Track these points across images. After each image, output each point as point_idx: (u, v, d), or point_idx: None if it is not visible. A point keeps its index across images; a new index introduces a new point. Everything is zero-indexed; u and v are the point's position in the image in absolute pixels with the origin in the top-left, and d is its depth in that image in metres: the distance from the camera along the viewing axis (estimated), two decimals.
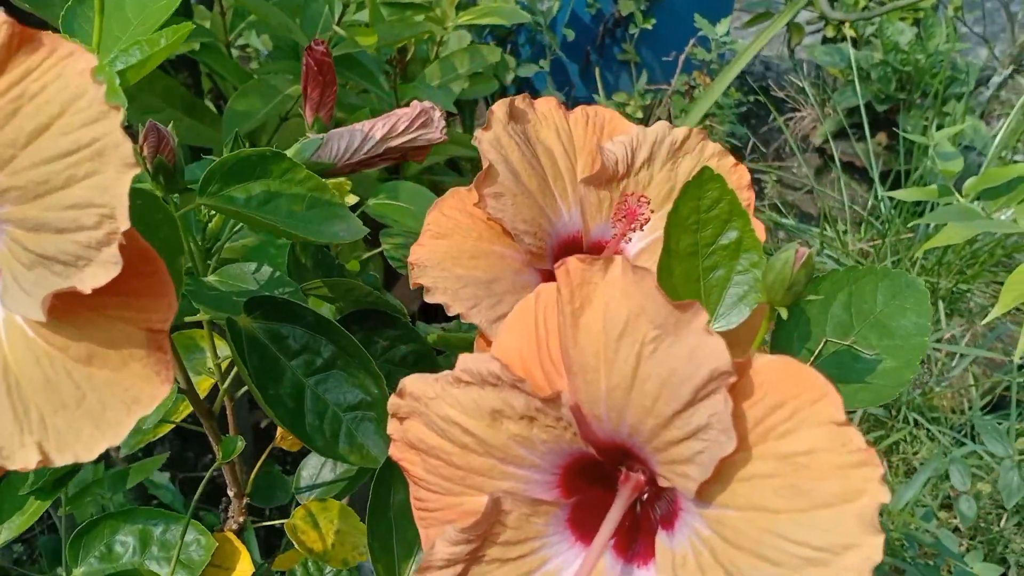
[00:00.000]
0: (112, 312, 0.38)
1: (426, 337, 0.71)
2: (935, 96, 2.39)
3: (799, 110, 2.70)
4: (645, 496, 0.42)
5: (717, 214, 0.47)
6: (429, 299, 0.49)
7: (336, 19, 1.22)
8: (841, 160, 2.33)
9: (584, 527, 0.42)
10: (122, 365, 0.38)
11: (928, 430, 1.58)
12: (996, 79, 2.75)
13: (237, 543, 0.67)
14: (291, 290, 0.60)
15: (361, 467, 0.74)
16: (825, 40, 2.87)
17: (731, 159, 0.55)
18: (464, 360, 0.40)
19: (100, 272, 0.35)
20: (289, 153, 0.66)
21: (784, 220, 2.19)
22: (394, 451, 0.44)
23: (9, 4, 0.91)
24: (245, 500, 0.67)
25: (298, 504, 0.72)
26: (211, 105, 1.52)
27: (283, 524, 0.68)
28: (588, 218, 0.55)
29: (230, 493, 0.67)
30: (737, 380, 0.36)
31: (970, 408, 1.63)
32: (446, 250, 0.52)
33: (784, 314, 0.45)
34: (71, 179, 0.35)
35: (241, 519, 0.68)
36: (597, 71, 2.37)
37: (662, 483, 0.39)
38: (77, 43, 0.35)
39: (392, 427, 0.43)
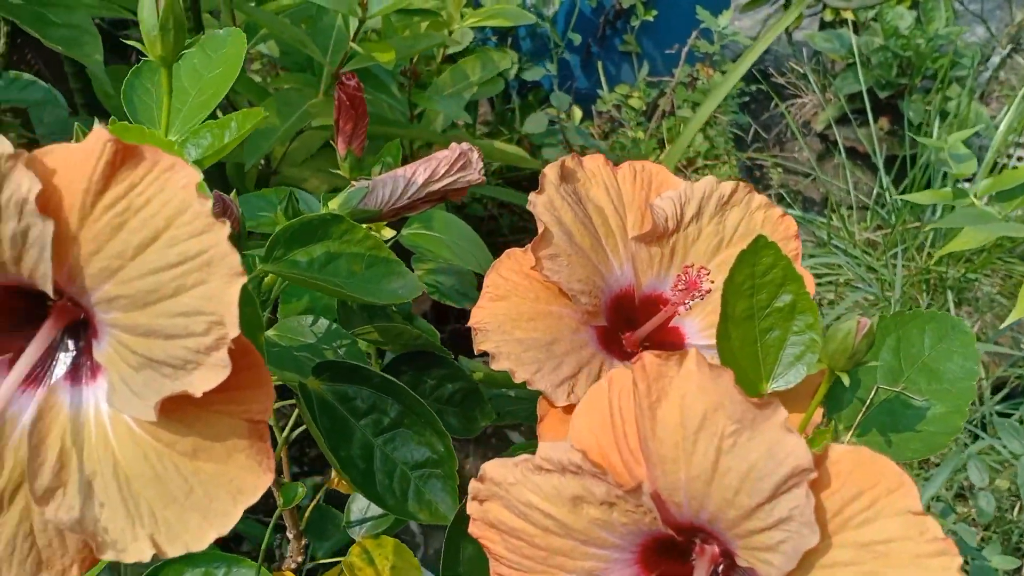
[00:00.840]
0: (216, 407, 0.39)
1: (472, 374, 0.72)
2: (937, 79, 2.40)
3: (800, 96, 2.71)
4: (720, 567, 0.44)
5: (771, 279, 0.49)
6: (495, 366, 0.51)
7: (352, 36, 1.22)
8: (844, 146, 2.34)
9: None
10: (226, 457, 0.40)
11: None
12: (995, 59, 2.76)
13: None
14: (349, 342, 0.61)
15: None
16: (823, 25, 2.87)
17: (778, 210, 0.57)
18: (544, 449, 0.42)
19: (210, 375, 0.37)
20: (336, 202, 0.68)
21: (791, 210, 2.20)
22: (474, 529, 0.45)
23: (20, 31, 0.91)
24: (304, 541, 0.69)
25: (350, 539, 0.74)
26: None
27: (339, 561, 0.70)
28: (640, 273, 0.56)
29: (289, 535, 0.68)
30: (816, 477, 0.37)
31: (981, 400, 1.65)
32: (505, 312, 0.53)
33: (846, 380, 0.47)
34: (180, 288, 0.36)
35: (300, 559, 0.70)
36: (600, 64, 2.37)
37: (742, 563, 0.41)
38: (176, 156, 0.36)
39: (472, 508, 0.45)
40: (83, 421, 0.40)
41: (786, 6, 2.89)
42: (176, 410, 0.39)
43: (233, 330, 0.36)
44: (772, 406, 0.37)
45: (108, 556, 0.39)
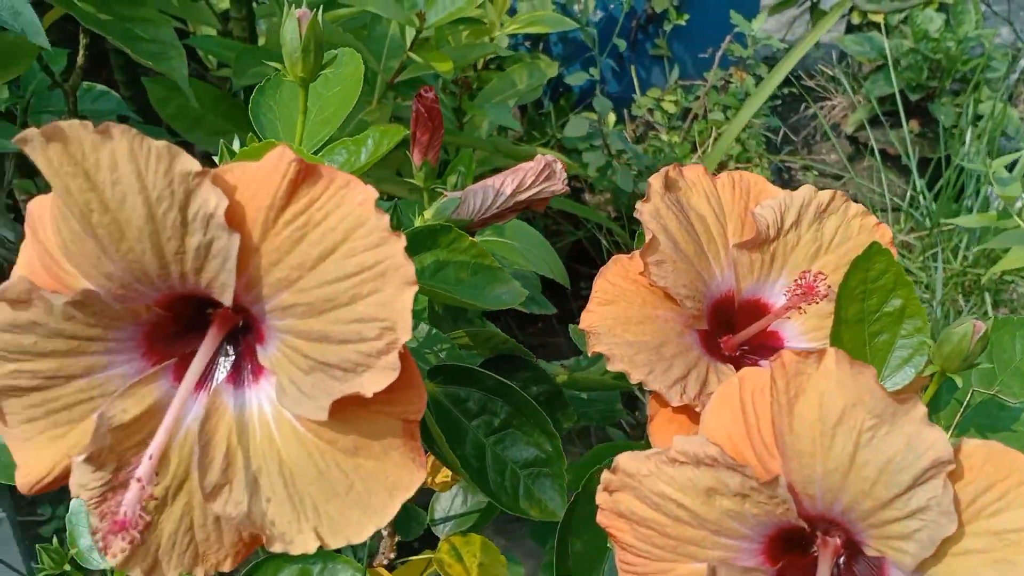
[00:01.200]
0: (375, 406, 0.42)
1: (555, 377, 0.75)
2: (969, 83, 2.41)
3: (829, 98, 2.73)
4: (843, 558, 0.46)
5: (883, 284, 0.51)
6: (609, 367, 0.53)
7: (408, 45, 1.24)
8: (876, 148, 2.35)
9: None
10: (383, 454, 0.42)
11: None
12: (1022, 61, 2.77)
13: None
14: (448, 346, 0.64)
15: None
16: (850, 28, 2.89)
17: (873, 218, 0.59)
18: (679, 442, 0.44)
19: (380, 377, 0.39)
20: (430, 212, 0.70)
21: None
22: (602, 519, 0.47)
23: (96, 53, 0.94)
24: (396, 537, 0.71)
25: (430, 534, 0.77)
26: None
27: (430, 558, 0.73)
28: (740, 278, 0.59)
29: (383, 531, 0.71)
30: (953, 468, 0.39)
31: None
32: (615, 316, 0.55)
33: (959, 382, 0.49)
34: (355, 297, 0.38)
35: (392, 555, 0.72)
36: (633, 68, 2.39)
37: (871, 552, 0.43)
38: (350, 174, 0.39)
39: (602, 498, 0.47)
40: (247, 421, 0.43)
41: (812, 8, 2.91)
42: (338, 410, 0.41)
43: (404, 335, 0.38)
44: (912, 401, 0.39)
45: (277, 548, 0.42)
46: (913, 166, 2.19)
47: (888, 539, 0.41)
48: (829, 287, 0.53)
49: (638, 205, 0.56)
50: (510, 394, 0.58)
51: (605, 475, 0.46)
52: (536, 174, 0.74)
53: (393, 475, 0.42)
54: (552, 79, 2.27)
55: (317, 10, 0.50)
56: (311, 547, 0.41)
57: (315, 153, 0.53)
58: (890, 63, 2.38)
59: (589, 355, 0.54)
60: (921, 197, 2.16)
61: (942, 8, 2.65)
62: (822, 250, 0.58)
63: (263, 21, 1.55)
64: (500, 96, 1.50)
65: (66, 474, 0.44)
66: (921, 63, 2.49)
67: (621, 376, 0.68)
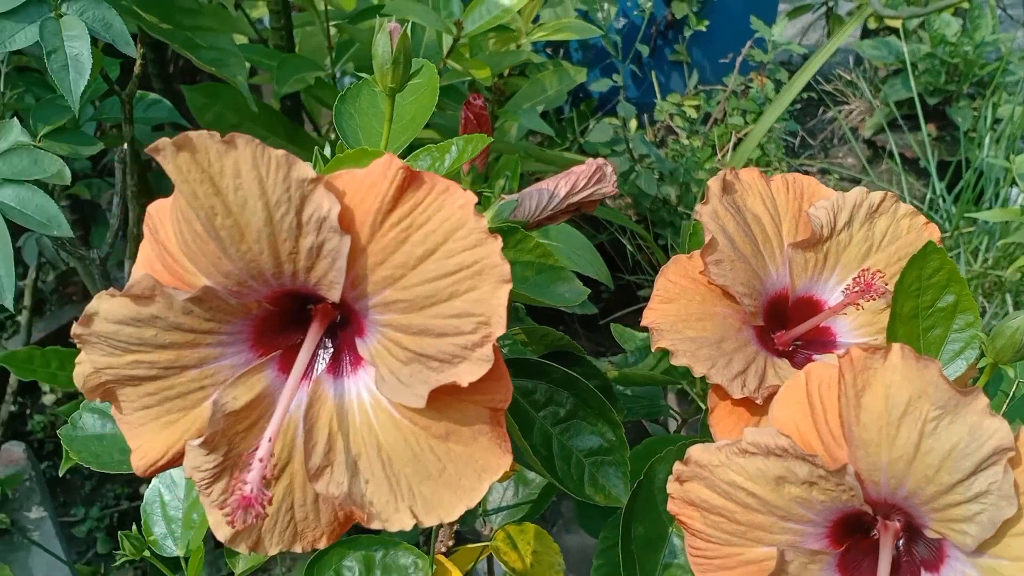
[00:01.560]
0: (466, 396, 0.44)
1: (605, 373, 0.77)
2: (987, 86, 2.43)
3: (847, 102, 2.75)
4: (902, 540, 0.48)
5: (937, 281, 0.53)
6: (674, 362, 0.56)
7: (445, 53, 1.28)
8: (896, 151, 2.37)
9: (854, 570, 0.49)
10: (472, 440, 0.45)
11: None
12: None
13: (448, 564, 0.74)
14: (510, 342, 0.67)
15: (543, 492, 0.81)
16: (866, 33, 2.91)
17: (921, 218, 0.62)
18: (750, 434, 0.47)
19: (475, 368, 0.42)
20: (489, 214, 0.73)
21: None
22: (672, 507, 0.50)
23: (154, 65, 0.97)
24: (455, 525, 0.74)
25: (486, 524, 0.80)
26: (311, 132, 1.59)
27: (485, 546, 0.76)
28: (795, 276, 0.61)
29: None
30: (1014, 455, 0.42)
31: None
32: (676, 313, 0.58)
33: (1012, 373, 0.52)
34: (454, 294, 0.41)
35: (451, 542, 0.75)
36: (653, 74, 2.42)
37: (932, 535, 0.46)
38: (450, 180, 0.42)
39: (672, 487, 0.50)
40: (347, 408, 0.46)
41: (828, 13, 2.94)
42: (432, 398, 0.44)
43: (499, 329, 0.41)
44: (975, 393, 0.42)
45: (375, 526, 0.45)
46: (932, 169, 2.22)
47: (950, 522, 0.44)
48: (886, 284, 0.56)
49: (697, 207, 0.59)
50: (575, 386, 0.61)
51: (677, 466, 0.49)
52: (588, 177, 0.77)
53: (482, 459, 0.45)
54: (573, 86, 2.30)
55: (407, 25, 0.53)
56: (407, 525, 0.44)
57: (400, 158, 0.56)
58: (908, 67, 2.40)
59: (653, 350, 0.57)
60: (941, 200, 2.18)
61: (958, 13, 2.67)
62: (873, 249, 0.61)
63: (298, 31, 1.58)
64: (531, 102, 1.54)
65: (177, 457, 0.47)
66: (938, 67, 2.52)
67: (669, 372, 0.71)
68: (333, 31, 1.40)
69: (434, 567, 0.73)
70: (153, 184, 1.32)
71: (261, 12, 1.58)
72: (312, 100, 1.59)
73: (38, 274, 1.51)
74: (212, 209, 0.41)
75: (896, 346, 0.44)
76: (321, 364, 0.47)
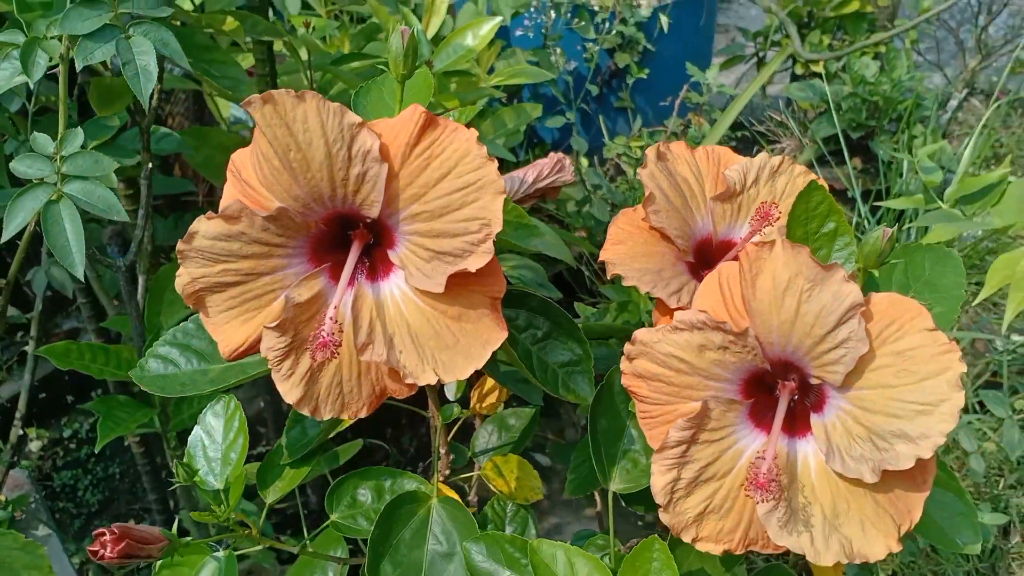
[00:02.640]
0: (471, 287, 0.61)
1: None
2: (904, 121, 2.67)
3: (779, 141, 2.98)
4: (796, 396, 0.65)
5: (820, 211, 0.71)
6: (625, 283, 0.72)
7: None
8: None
9: (759, 418, 0.65)
10: (478, 320, 0.61)
11: None
12: (953, 102, 3.05)
13: (445, 488, 0.89)
14: None
15: (523, 434, 0.96)
16: (795, 78, 3.16)
17: (812, 175, 0.79)
18: (679, 315, 0.63)
19: (480, 259, 0.58)
20: None
21: None
22: (625, 380, 0.66)
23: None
24: (452, 456, 0.89)
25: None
26: None
27: (473, 476, 0.90)
28: (716, 224, 0.78)
29: (441, 450, 0.88)
30: (864, 309, 0.59)
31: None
32: (625, 251, 0.75)
33: (877, 274, 0.69)
34: (463, 203, 0.58)
35: (447, 471, 0.89)
36: (601, 119, 2.63)
37: (813, 382, 0.62)
38: (458, 124, 0.58)
39: (624, 364, 0.66)
40: (383, 301, 0.62)
41: (759, 65, 3.18)
42: (448, 288, 0.60)
43: (497, 227, 0.57)
44: (835, 267, 0.59)
45: (409, 381, 0.60)
46: (858, 197, 2.43)
47: (824, 366, 0.61)
48: (780, 213, 0.73)
49: (639, 171, 0.76)
50: (549, 312, 0.76)
51: (627, 347, 0.65)
52: (551, 167, 0.94)
53: (485, 334, 0.61)
54: (527, 131, 2.50)
55: (415, 28, 0.70)
56: (432, 380, 0.60)
57: None
58: (832, 107, 2.63)
59: (609, 278, 0.73)
60: (866, 222, 2.39)
61: (876, 56, 2.92)
62: (775, 200, 0.78)
63: (281, 80, 1.75)
64: (493, 135, 1.72)
65: (253, 345, 0.62)
66: (860, 105, 2.75)
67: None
68: (316, 75, 1.57)
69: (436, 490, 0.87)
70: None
71: (249, 61, 1.75)
72: None
73: (44, 306, 1.64)
74: (287, 146, 0.57)
75: (778, 240, 0.61)
76: (361, 274, 0.63)
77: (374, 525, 0.75)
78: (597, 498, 1.07)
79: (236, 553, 0.80)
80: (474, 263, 0.58)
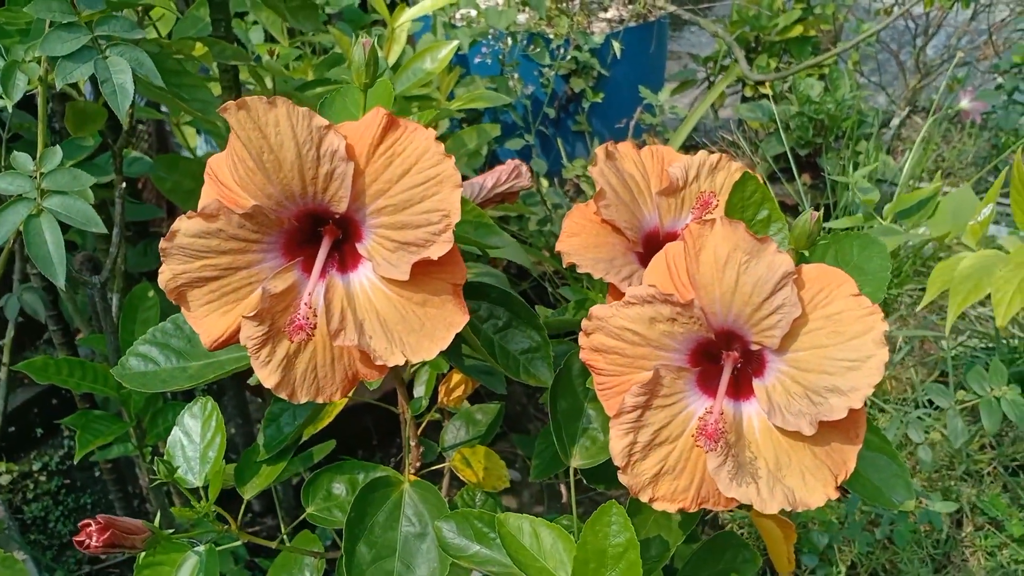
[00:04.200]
0: (434, 274, 0.65)
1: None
2: (847, 138, 2.77)
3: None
4: (739, 365, 0.70)
5: (755, 200, 0.77)
6: (579, 271, 0.77)
7: None
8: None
9: (706, 385, 0.70)
10: (442, 305, 0.66)
11: (880, 408, 1.90)
12: (895, 120, 3.16)
13: (415, 479, 0.93)
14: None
15: (488, 428, 1.01)
16: (744, 99, 3.26)
17: (748, 171, 0.85)
18: (630, 291, 0.68)
19: (442, 247, 0.63)
20: None
21: None
22: (583, 355, 0.71)
23: None
24: (421, 448, 0.93)
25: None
26: None
27: (443, 468, 0.95)
28: (662, 217, 0.84)
29: (411, 443, 0.93)
30: (796, 278, 0.65)
31: (911, 390, 1.95)
32: (579, 243, 0.80)
33: (807, 254, 0.75)
34: (424, 196, 0.63)
35: (418, 464, 0.94)
36: (560, 142, 2.70)
37: (754, 348, 0.68)
38: (416, 123, 0.63)
39: (582, 340, 0.71)
40: (352, 291, 0.66)
41: (709, 87, 3.28)
42: (413, 276, 0.64)
43: (455, 217, 0.63)
44: (767, 240, 0.64)
45: (379, 363, 0.65)
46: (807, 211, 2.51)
47: (763, 331, 0.66)
48: (719, 202, 0.79)
49: (589, 168, 0.82)
50: (509, 303, 0.81)
51: (584, 323, 0.70)
52: (508, 173, 1.00)
53: (449, 317, 0.66)
54: (487, 156, 2.56)
55: (375, 40, 0.75)
56: (400, 361, 0.64)
57: None
58: (780, 126, 2.72)
59: (564, 266, 0.78)
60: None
61: (821, 77, 3.03)
62: (702, 191, 0.84)
63: None
64: (456, 154, 1.77)
65: (232, 335, 0.66)
66: (807, 124, 2.85)
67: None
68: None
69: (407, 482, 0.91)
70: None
71: (216, 90, 1.80)
72: None
73: (16, 333, 1.66)
74: (260, 149, 0.62)
75: (718, 217, 0.66)
76: (331, 268, 0.68)
77: (350, 508, 0.79)
78: (562, 490, 1.11)
79: (217, 549, 0.84)
80: (436, 251, 0.63)
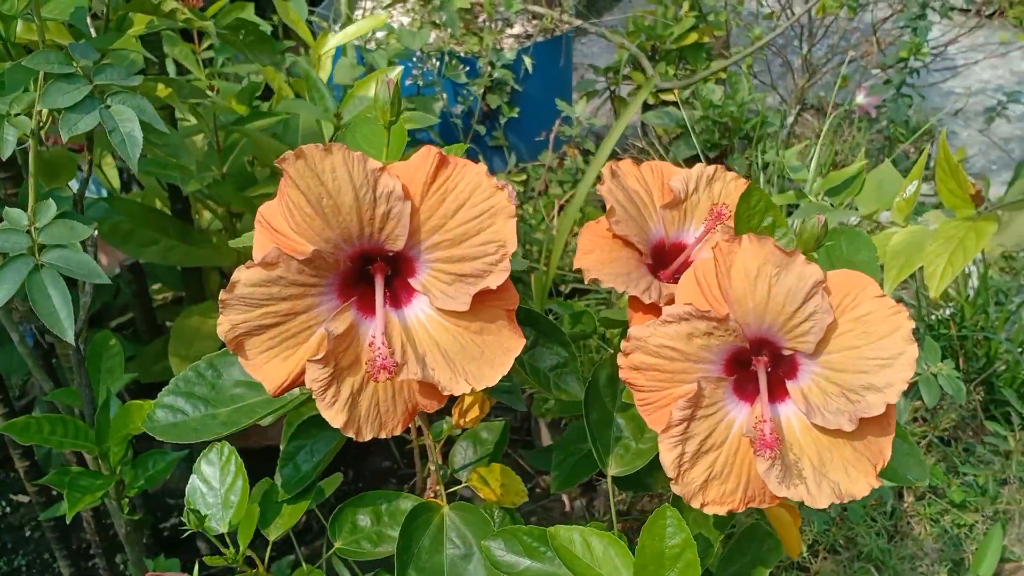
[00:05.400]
0: (489, 303, 0.68)
1: None
2: (755, 139, 2.90)
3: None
4: (769, 369, 0.74)
5: (760, 208, 0.81)
6: (602, 286, 0.81)
7: (328, 139, 1.51)
8: None
9: (742, 391, 0.74)
10: (498, 331, 0.68)
11: None
12: (789, 119, 3.31)
13: (436, 502, 0.94)
14: None
15: (496, 445, 1.03)
16: (647, 107, 3.36)
17: (743, 180, 0.90)
18: (666, 310, 0.72)
19: (499, 276, 0.66)
20: None
21: None
22: (623, 374, 0.74)
23: None
24: (442, 472, 0.95)
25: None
26: (208, 227, 1.76)
27: (456, 490, 0.97)
28: (667, 229, 0.88)
29: (432, 467, 0.94)
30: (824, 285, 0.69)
31: None
32: (596, 258, 0.83)
33: (816, 257, 0.80)
34: (480, 229, 0.65)
35: (438, 487, 0.95)
36: (482, 157, 2.73)
37: (786, 353, 0.72)
38: (467, 160, 0.66)
39: (621, 360, 0.74)
40: (410, 325, 0.68)
41: (612, 98, 3.36)
42: (469, 307, 0.67)
43: (512, 247, 0.65)
44: (796, 253, 0.69)
45: (445, 392, 0.66)
46: None
47: (796, 337, 0.71)
48: (729, 212, 0.83)
49: (598, 187, 0.85)
50: (535, 322, 0.84)
51: (622, 344, 0.73)
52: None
53: (506, 343, 0.68)
54: None
55: (398, 77, 0.77)
56: (466, 389, 0.66)
57: None
58: (689, 129, 2.82)
59: (587, 283, 0.81)
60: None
61: (720, 82, 3.15)
62: (715, 204, 0.89)
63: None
64: None
65: (295, 380, 0.67)
66: (712, 127, 2.96)
67: (581, 332, 0.96)
68: (221, 134, 1.61)
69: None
70: None
71: None
72: (202, 199, 1.77)
73: None
74: (319, 195, 0.63)
75: (745, 235, 0.71)
76: (384, 305, 0.69)
77: (398, 535, 0.80)
78: (565, 500, 1.14)
79: None
80: (494, 281, 0.66)
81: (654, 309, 0.82)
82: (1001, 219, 1.21)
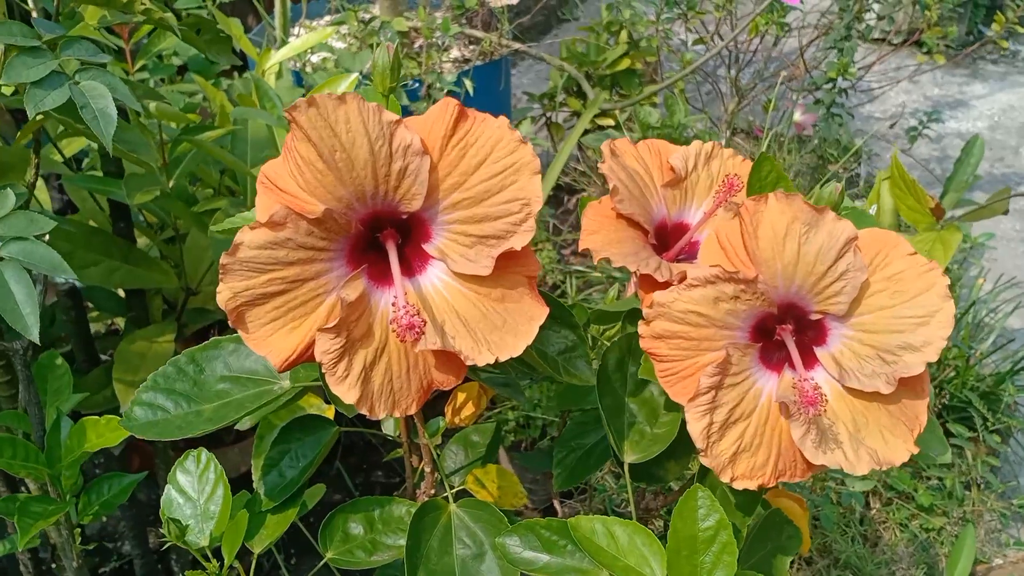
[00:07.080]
0: (510, 269, 0.63)
1: None
2: None
3: (585, 189, 3.15)
4: (795, 337, 0.71)
5: (771, 179, 0.79)
6: (613, 265, 0.77)
7: (281, 145, 1.45)
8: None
9: (768, 360, 0.71)
10: (520, 299, 0.63)
11: None
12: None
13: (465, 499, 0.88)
14: None
15: (489, 448, 0.98)
16: (584, 131, 3.37)
17: (740, 156, 0.88)
18: (691, 271, 0.69)
19: (524, 237, 0.61)
20: None
21: (596, 274, 2.59)
22: (644, 344, 0.70)
23: None
24: (436, 475, 0.89)
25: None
26: (151, 247, 1.68)
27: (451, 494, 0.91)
28: (668, 208, 0.85)
29: (426, 469, 0.88)
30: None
31: None
32: (602, 239, 0.79)
33: None
34: (503, 186, 0.61)
35: (432, 490, 0.89)
36: None
37: (814, 318, 0.69)
38: (487, 113, 0.62)
39: (642, 329, 0.70)
40: (426, 293, 0.63)
41: (547, 123, 3.37)
42: (490, 273, 0.62)
43: (537, 206, 0.61)
44: (825, 209, 0.66)
45: (468, 363, 0.62)
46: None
47: (828, 299, 0.68)
48: (742, 183, 0.80)
49: (599, 165, 0.82)
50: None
51: (645, 311, 0.70)
52: None
53: (529, 311, 0.64)
54: None
55: (397, 43, 0.72)
56: (490, 360, 0.62)
57: None
58: None
59: (595, 262, 0.77)
60: None
61: (656, 105, 3.18)
62: (714, 181, 0.86)
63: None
64: None
65: (303, 353, 0.61)
66: None
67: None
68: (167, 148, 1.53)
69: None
70: None
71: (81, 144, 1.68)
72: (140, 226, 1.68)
73: None
74: (332, 147, 0.58)
75: (771, 193, 0.68)
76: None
77: (406, 537, 0.74)
78: (557, 507, 1.09)
79: None
80: (519, 241, 0.61)
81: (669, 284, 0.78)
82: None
